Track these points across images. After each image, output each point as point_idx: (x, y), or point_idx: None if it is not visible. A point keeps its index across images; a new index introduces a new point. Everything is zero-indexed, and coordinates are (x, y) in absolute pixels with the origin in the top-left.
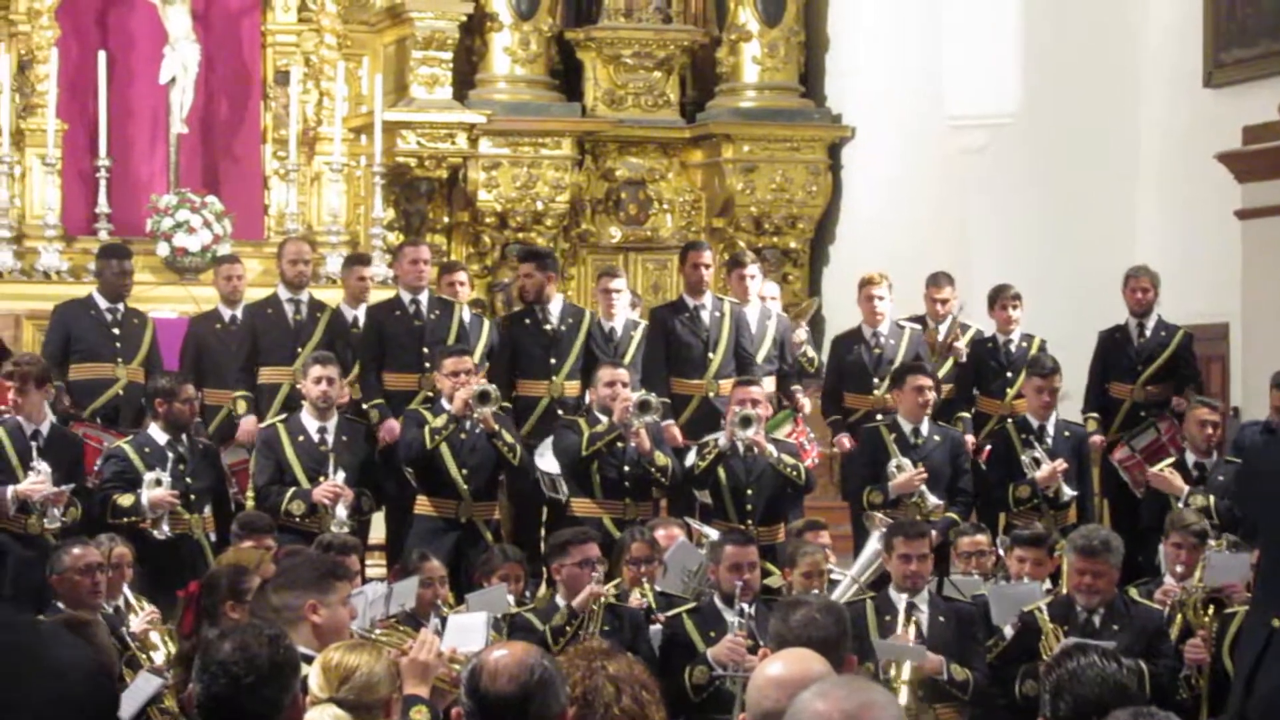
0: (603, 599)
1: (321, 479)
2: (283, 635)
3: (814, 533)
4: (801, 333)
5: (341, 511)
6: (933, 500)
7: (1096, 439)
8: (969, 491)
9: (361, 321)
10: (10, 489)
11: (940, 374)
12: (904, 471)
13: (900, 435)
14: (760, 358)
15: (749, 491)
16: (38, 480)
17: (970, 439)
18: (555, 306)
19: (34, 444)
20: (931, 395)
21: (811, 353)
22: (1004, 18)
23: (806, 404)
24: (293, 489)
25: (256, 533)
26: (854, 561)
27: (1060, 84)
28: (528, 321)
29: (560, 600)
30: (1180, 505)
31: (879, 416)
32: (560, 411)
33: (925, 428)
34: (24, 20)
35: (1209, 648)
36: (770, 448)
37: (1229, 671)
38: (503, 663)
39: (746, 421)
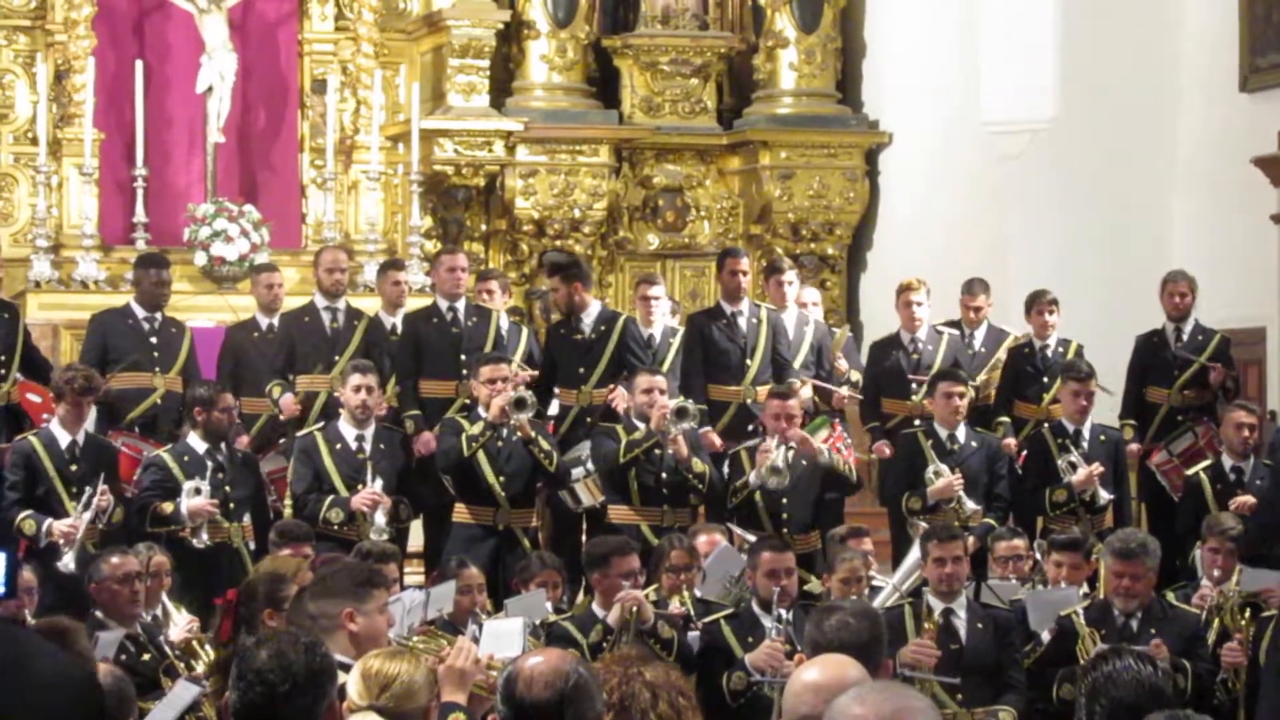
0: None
1: (360, 487)
2: (319, 643)
3: (857, 539)
4: (842, 363)
5: (380, 519)
6: (970, 506)
7: (1134, 447)
8: (1006, 497)
9: (399, 328)
10: (49, 524)
11: (980, 379)
12: (942, 477)
13: (937, 441)
14: (798, 364)
15: (784, 500)
16: (64, 523)
17: (1011, 442)
18: (590, 314)
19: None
20: (963, 402)
21: (855, 376)
22: (1041, 24)
23: (845, 395)
24: (331, 497)
25: (294, 541)
26: (894, 568)
27: (1096, 89)
28: (563, 331)
29: (598, 609)
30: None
31: (917, 422)
32: (589, 419)
33: (962, 434)
34: (61, 30)
35: (1246, 651)
36: (823, 449)
37: None
38: (538, 669)
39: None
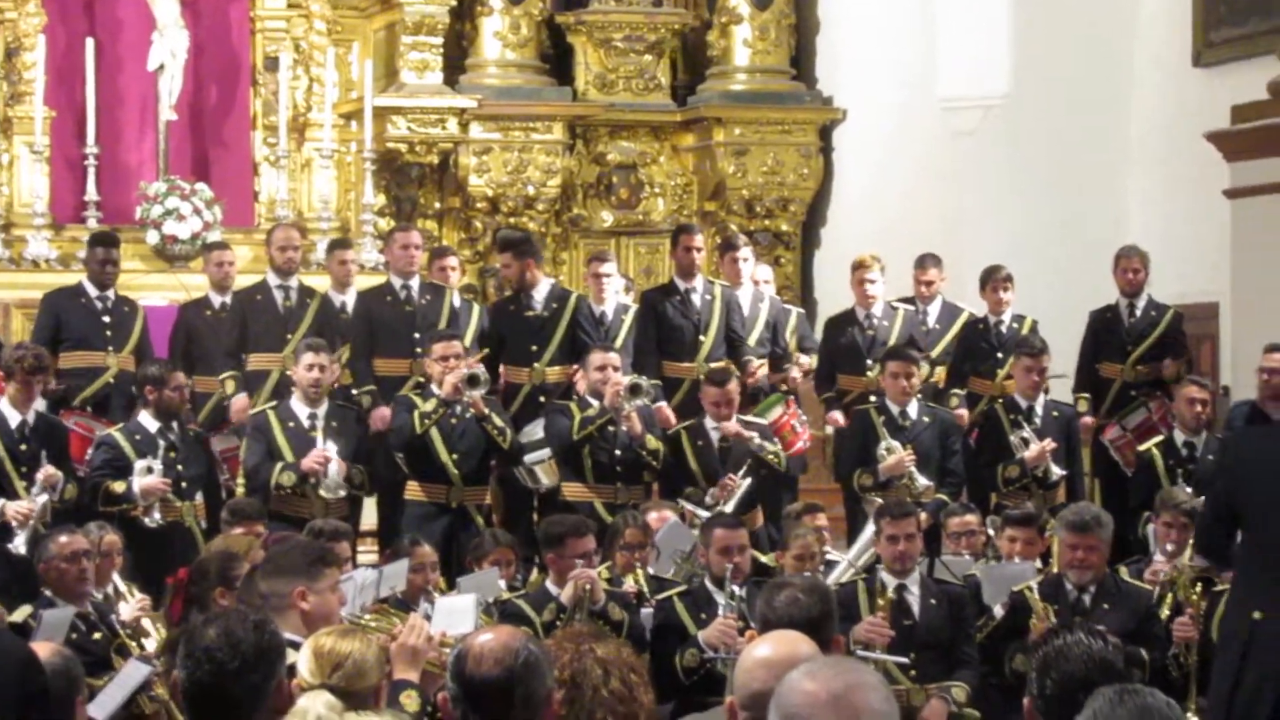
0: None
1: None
2: (268, 621)
3: (811, 515)
4: (804, 359)
5: (333, 471)
6: (922, 482)
7: (1087, 420)
8: (959, 473)
9: (349, 306)
10: (2, 505)
11: (934, 354)
12: (893, 454)
13: (889, 418)
14: (752, 340)
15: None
16: (21, 505)
17: (964, 413)
18: (541, 291)
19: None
20: (912, 381)
21: (806, 360)
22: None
23: (799, 377)
24: (281, 462)
25: (247, 519)
26: (848, 544)
27: (1050, 65)
28: (512, 308)
29: (552, 587)
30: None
31: (871, 398)
32: (542, 398)
33: (914, 410)
34: (11, 7)
35: (1197, 626)
36: (752, 434)
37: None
38: (488, 646)
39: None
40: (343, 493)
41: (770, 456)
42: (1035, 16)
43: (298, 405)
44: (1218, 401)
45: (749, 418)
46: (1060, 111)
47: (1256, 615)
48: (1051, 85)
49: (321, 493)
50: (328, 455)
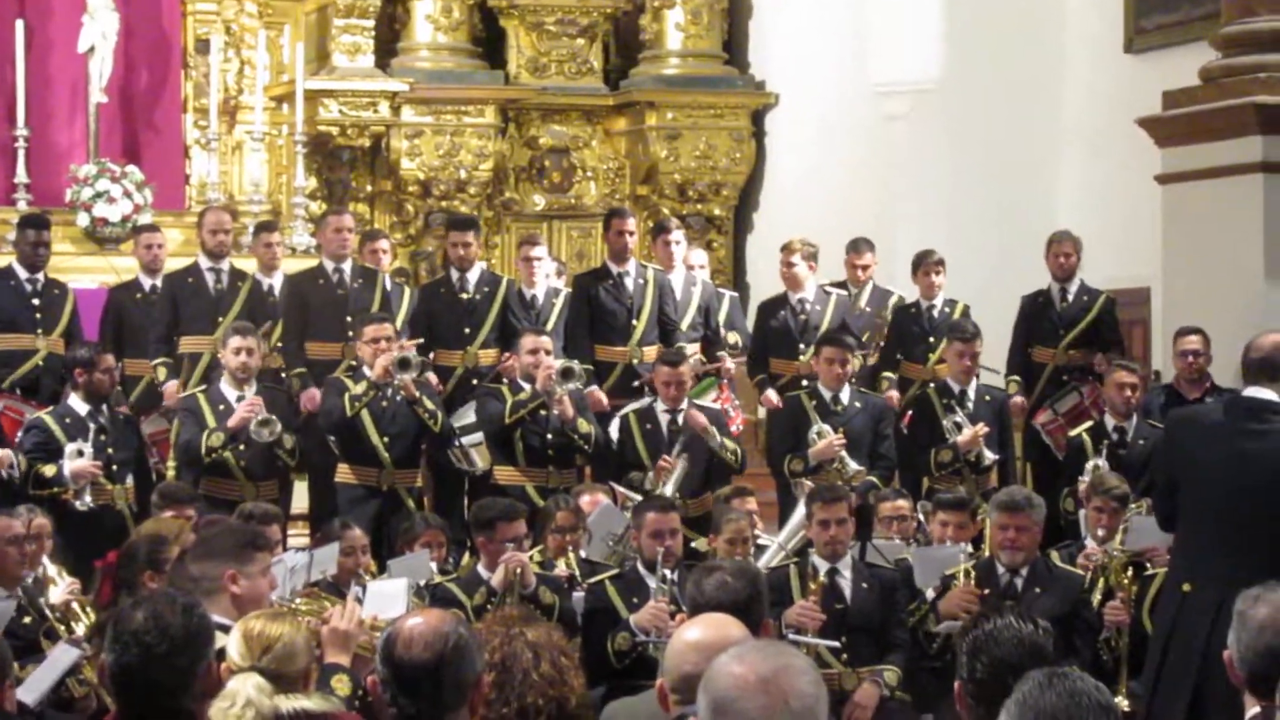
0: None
1: (242, 448)
2: (196, 604)
3: (741, 499)
4: (734, 335)
5: (261, 420)
6: (853, 466)
7: (1018, 399)
8: (890, 457)
9: (276, 289)
10: None
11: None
12: (824, 438)
13: (821, 402)
14: (684, 324)
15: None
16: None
17: (894, 395)
18: (473, 275)
19: None
20: (846, 367)
21: (735, 338)
22: None
23: (732, 367)
24: (210, 427)
25: (177, 503)
26: (780, 528)
27: (983, 50)
28: (444, 290)
29: (483, 571)
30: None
31: (805, 382)
32: (475, 381)
33: (846, 394)
34: None
35: (1129, 610)
36: (714, 432)
37: (1149, 633)
38: (418, 630)
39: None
40: (271, 436)
41: (729, 455)
42: (968, 2)
43: (227, 388)
44: (1149, 386)
45: (699, 402)
46: (992, 97)
47: (1186, 588)
48: (984, 71)
49: (252, 435)
50: (255, 404)
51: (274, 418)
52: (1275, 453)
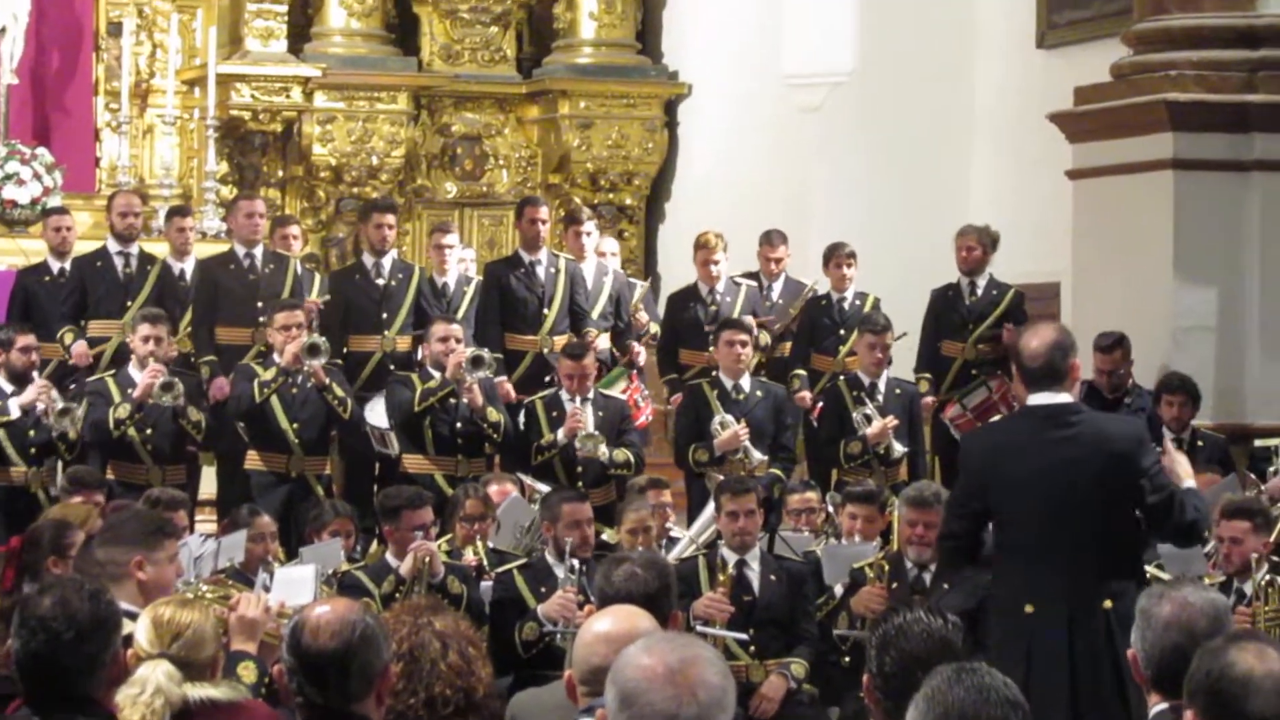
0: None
1: (149, 431)
2: (104, 591)
3: (656, 490)
4: (642, 315)
5: (163, 383)
6: (756, 456)
7: (928, 400)
8: (791, 449)
9: (188, 274)
10: None
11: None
12: (727, 428)
13: (722, 392)
14: (595, 314)
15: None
16: None
17: (806, 395)
18: (387, 261)
19: None
20: (745, 350)
21: (655, 329)
22: None
23: (642, 356)
24: (117, 401)
25: (85, 488)
26: (689, 520)
27: (896, 43)
28: (358, 276)
29: (391, 559)
30: None
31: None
32: (392, 366)
33: (747, 384)
34: None
35: None
36: (603, 449)
37: None
38: (325, 619)
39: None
40: (174, 401)
41: (620, 470)
42: None
43: (135, 373)
44: None
45: (605, 391)
46: (905, 89)
47: (1029, 609)
48: (897, 63)
49: (155, 399)
50: (158, 370)
51: (176, 380)
52: (1089, 453)
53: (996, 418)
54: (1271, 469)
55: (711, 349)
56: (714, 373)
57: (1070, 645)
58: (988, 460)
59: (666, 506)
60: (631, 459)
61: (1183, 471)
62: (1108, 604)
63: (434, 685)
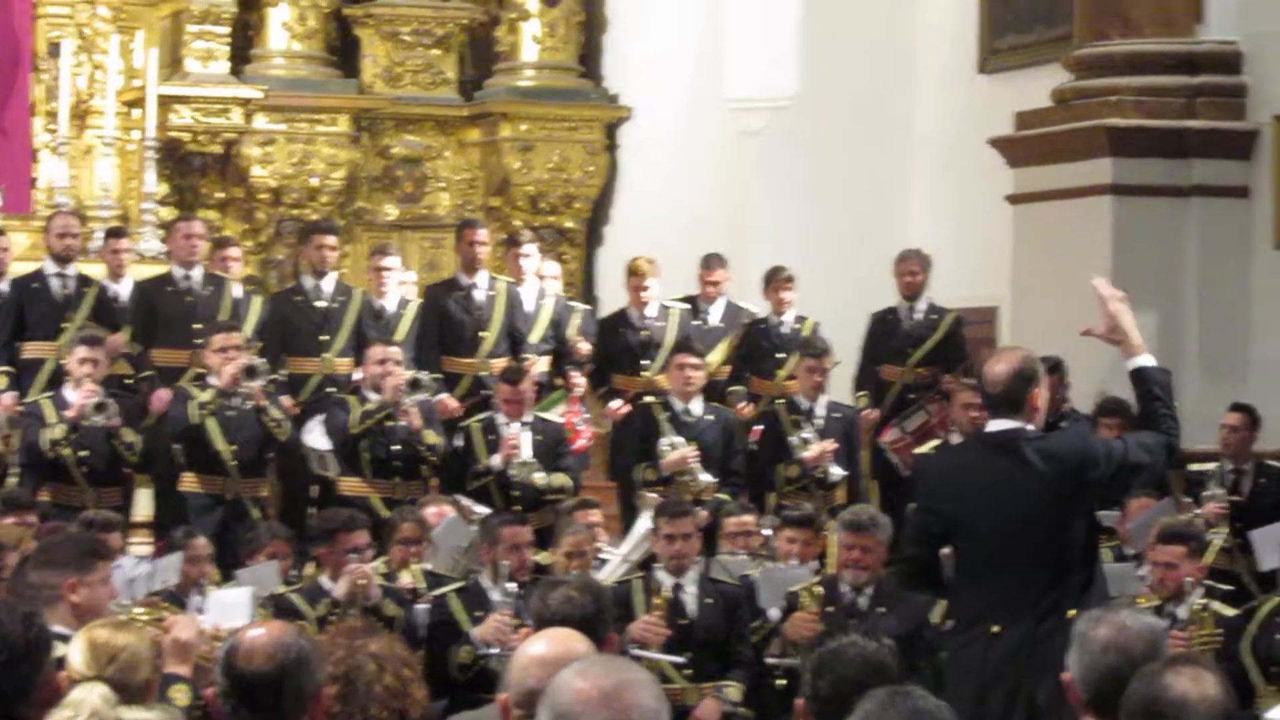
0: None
1: (83, 453)
2: (36, 614)
3: (584, 511)
4: (584, 345)
5: (96, 404)
6: (703, 479)
7: (867, 413)
8: (740, 473)
9: (123, 296)
10: None
11: (713, 356)
12: (676, 450)
13: (673, 414)
14: (535, 338)
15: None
16: None
17: (747, 407)
18: (328, 283)
19: None
20: (696, 374)
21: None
22: (783, 0)
23: (582, 383)
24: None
25: (19, 509)
26: (623, 541)
27: (838, 67)
28: (298, 298)
29: (326, 582)
30: None
31: (648, 397)
32: (331, 389)
33: (698, 407)
34: None
35: None
36: (537, 476)
37: None
38: (259, 641)
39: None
40: (106, 420)
41: (558, 495)
42: (824, 18)
43: (71, 395)
44: None
45: (543, 415)
46: (847, 114)
47: (995, 629)
48: (839, 88)
49: (88, 420)
50: (94, 389)
51: (110, 401)
52: (1040, 475)
53: (935, 441)
54: (1206, 493)
55: (646, 373)
56: (649, 397)
57: (1029, 662)
58: (943, 485)
59: (596, 527)
60: (569, 483)
61: (1127, 326)
62: (1071, 613)
63: (370, 708)
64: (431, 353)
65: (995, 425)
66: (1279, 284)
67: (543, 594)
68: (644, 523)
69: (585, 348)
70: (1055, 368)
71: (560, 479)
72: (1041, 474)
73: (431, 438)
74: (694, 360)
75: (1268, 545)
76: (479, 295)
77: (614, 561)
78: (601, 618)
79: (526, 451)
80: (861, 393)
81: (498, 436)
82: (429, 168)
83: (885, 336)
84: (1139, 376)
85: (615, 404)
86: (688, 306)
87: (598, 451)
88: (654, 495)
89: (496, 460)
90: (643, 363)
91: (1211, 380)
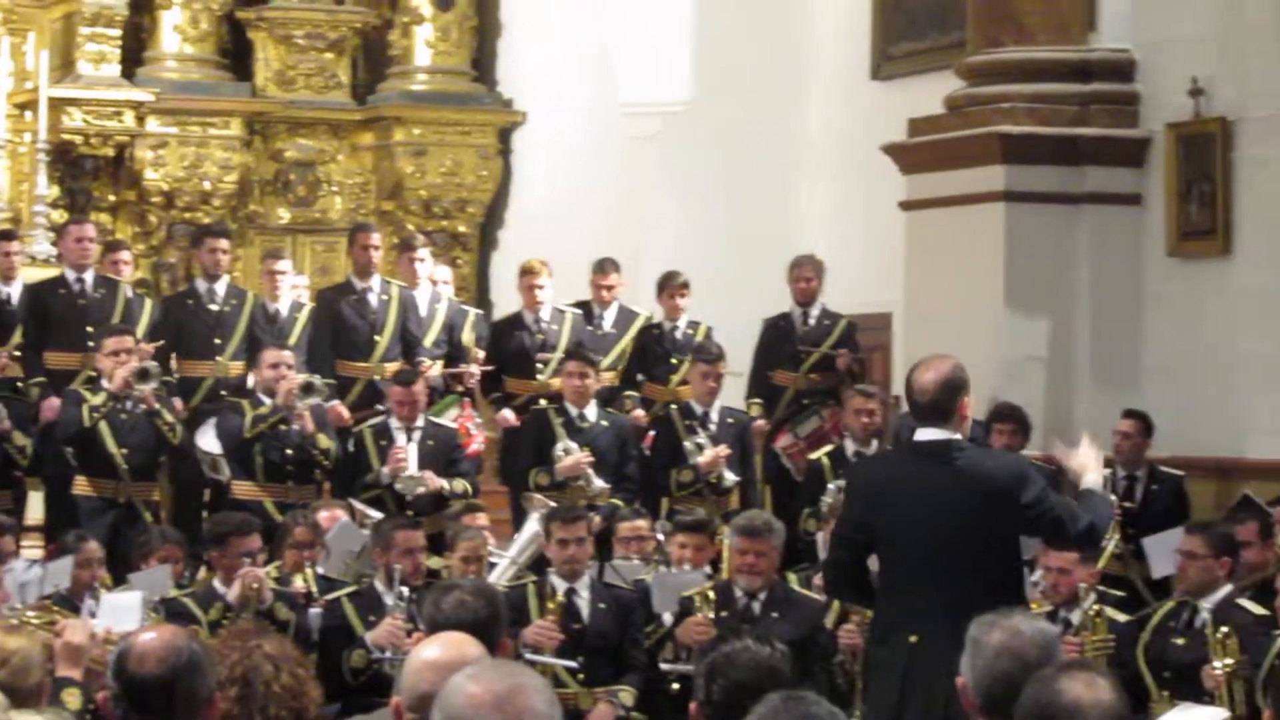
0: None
1: None
2: None
3: (471, 515)
4: (479, 353)
5: None
6: (597, 484)
7: (760, 423)
8: (634, 479)
9: (14, 299)
10: None
11: (607, 361)
12: (570, 455)
13: (568, 419)
14: (428, 342)
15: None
16: None
17: (641, 413)
18: (221, 286)
19: None
20: (585, 382)
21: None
22: (675, 6)
23: (477, 373)
24: None
25: None
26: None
27: (731, 73)
28: (190, 302)
29: (219, 586)
30: (837, 491)
31: (542, 401)
32: (224, 392)
33: (593, 412)
34: None
35: (863, 633)
36: (422, 490)
37: None
38: (150, 645)
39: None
40: (6, 424)
41: (460, 504)
42: (716, 24)
43: None
44: (889, 411)
45: (436, 419)
46: (740, 120)
47: (913, 639)
48: (732, 93)
49: None
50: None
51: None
52: (970, 490)
53: (828, 446)
54: None
55: (540, 377)
56: (543, 401)
57: (947, 671)
58: (872, 492)
59: (484, 530)
60: (469, 488)
61: (1091, 465)
62: None
63: (269, 707)
64: (325, 357)
65: (924, 434)
66: (1171, 291)
67: (436, 598)
68: (531, 526)
69: (480, 354)
70: None
71: (460, 483)
72: (972, 489)
73: (325, 442)
74: (581, 367)
75: (1160, 553)
76: (373, 299)
77: (502, 565)
78: (495, 622)
79: (413, 466)
80: (755, 400)
81: (390, 441)
82: (322, 171)
83: (779, 342)
84: (1088, 492)
85: (506, 413)
86: (580, 311)
87: (488, 455)
88: (541, 498)
89: (385, 473)
90: (537, 366)
91: (1104, 387)
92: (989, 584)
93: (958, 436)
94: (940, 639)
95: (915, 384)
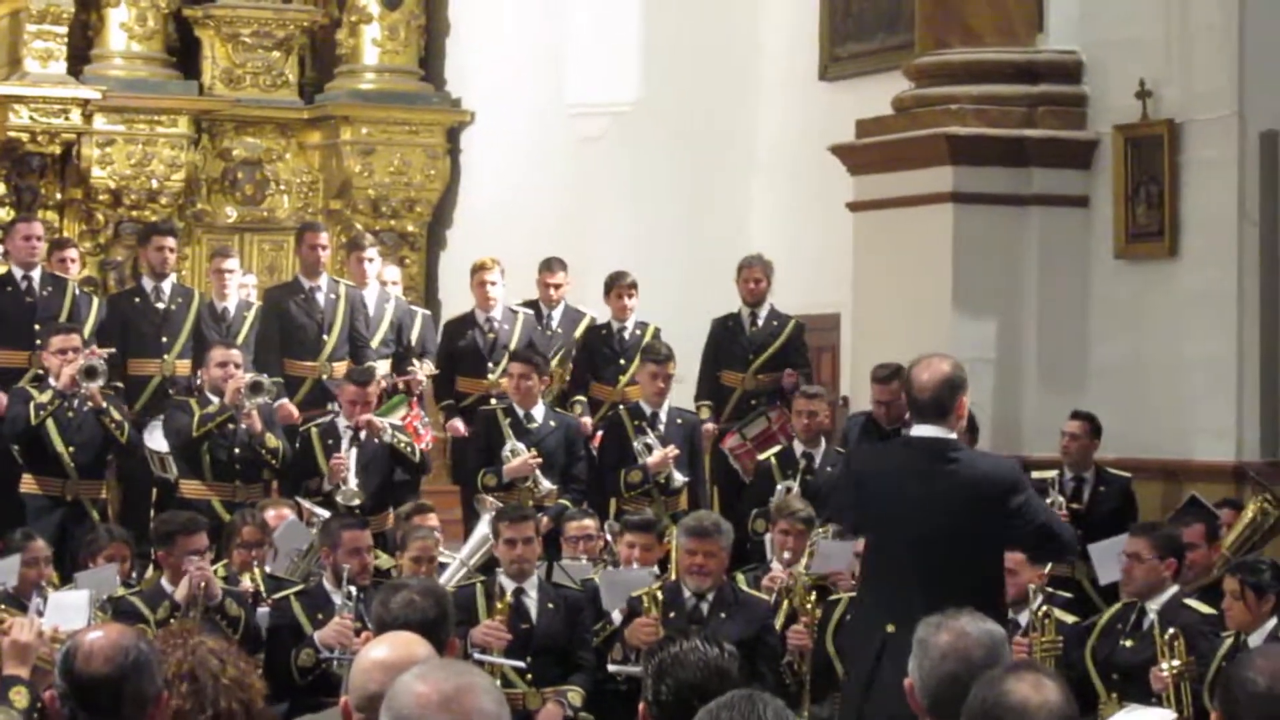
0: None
1: None
2: None
3: (422, 515)
4: (428, 364)
5: None
6: (546, 485)
7: (709, 427)
8: (582, 479)
9: None
10: None
11: (555, 362)
12: (518, 456)
13: (515, 420)
14: (376, 341)
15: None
16: None
17: (588, 420)
18: (167, 285)
19: None
20: (530, 383)
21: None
22: (624, 6)
23: (424, 379)
24: None
25: None
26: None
27: (679, 74)
28: (137, 300)
29: (166, 585)
30: (785, 492)
31: (493, 400)
32: (171, 391)
33: (540, 413)
34: None
35: (812, 634)
36: (385, 425)
37: (831, 657)
38: (98, 644)
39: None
40: None
41: (404, 447)
42: (665, 24)
43: None
44: (837, 412)
45: (380, 419)
46: (687, 121)
47: (890, 629)
48: (679, 94)
49: None
50: None
51: None
52: (962, 491)
53: (776, 447)
54: (1048, 500)
55: (491, 376)
56: (494, 400)
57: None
58: (866, 482)
59: (435, 531)
60: (413, 445)
61: None
62: None
63: (219, 700)
64: (272, 356)
65: (921, 431)
66: (1118, 293)
67: (384, 598)
68: (483, 529)
69: (428, 365)
70: (896, 374)
71: (405, 436)
72: (965, 492)
73: (272, 441)
74: (524, 369)
75: (1106, 559)
76: (320, 298)
77: (453, 567)
78: (443, 622)
79: (354, 479)
80: (704, 403)
81: (337, 440)
82: (269, 170)
83: (727, 342)
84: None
85: (456, 423)
86: (531, 311)
87: (440, 454)
88: (492, 499)
89: (327, 480)
90: (488, 365)
91: (1051, 388)
92: (970, 586)
93: (954, 436)
94: (914, 633)
95: (914, 381)
